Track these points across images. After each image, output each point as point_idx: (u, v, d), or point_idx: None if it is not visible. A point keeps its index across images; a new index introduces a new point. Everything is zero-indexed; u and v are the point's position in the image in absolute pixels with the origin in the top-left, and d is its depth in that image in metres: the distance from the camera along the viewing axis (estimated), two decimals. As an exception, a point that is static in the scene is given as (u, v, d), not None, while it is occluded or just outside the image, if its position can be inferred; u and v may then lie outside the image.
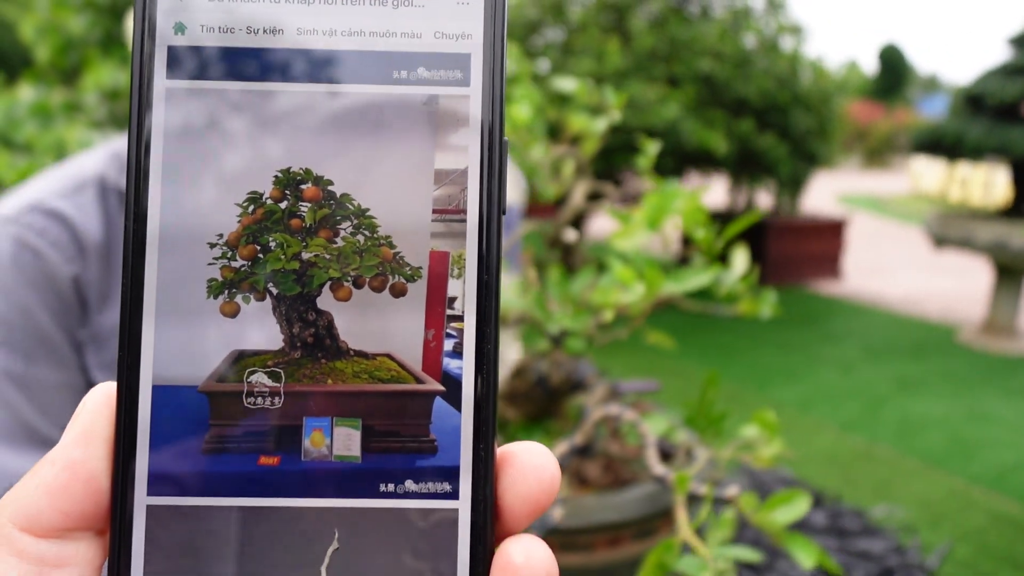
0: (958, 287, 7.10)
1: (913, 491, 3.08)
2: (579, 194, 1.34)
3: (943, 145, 5.29)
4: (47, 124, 2.44)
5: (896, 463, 3.39)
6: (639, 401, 1.78)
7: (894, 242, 9.81)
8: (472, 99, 0.26)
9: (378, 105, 0.26)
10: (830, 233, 7.45)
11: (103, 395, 0.26)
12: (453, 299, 0.26)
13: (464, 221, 0.26)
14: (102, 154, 0.87)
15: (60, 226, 0.79)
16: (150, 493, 0.25)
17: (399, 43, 0.26)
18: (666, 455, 1.60)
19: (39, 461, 0.25)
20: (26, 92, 2.78)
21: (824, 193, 13.99)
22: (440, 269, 0.26)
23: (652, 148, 1.22)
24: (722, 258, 1.04)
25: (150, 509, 0.25)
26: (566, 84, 1.37)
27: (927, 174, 15.02)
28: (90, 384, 0.81)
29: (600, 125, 1.28)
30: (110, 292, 0.81)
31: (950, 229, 5.01)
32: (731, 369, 4.75)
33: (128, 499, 0.25)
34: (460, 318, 0.26)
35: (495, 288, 0.26)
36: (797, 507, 0.69)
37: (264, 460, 0.25)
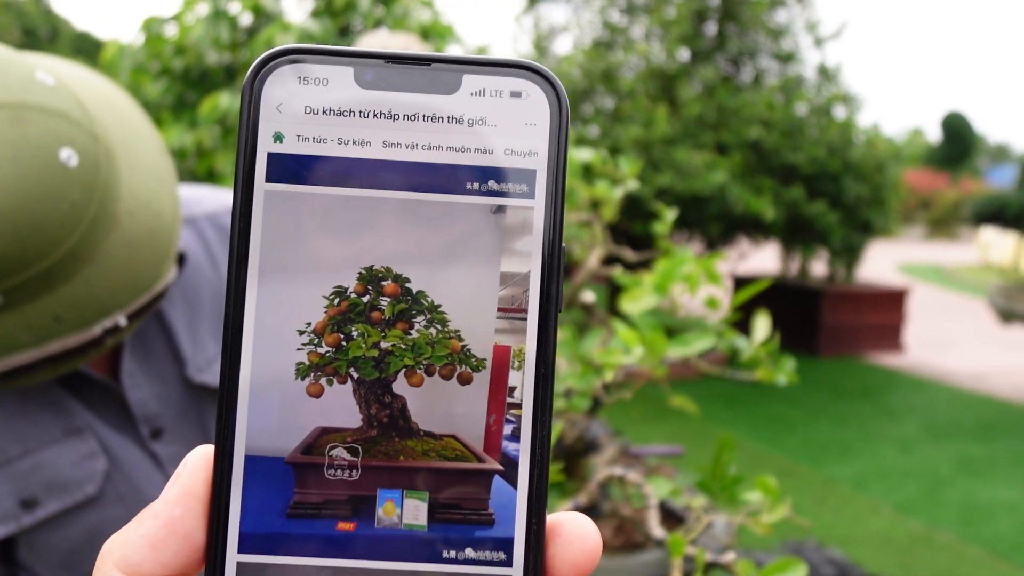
0: (1029, 363, 6.76)
1: (981, 582, 2.90)
2: (595, 258, 1.38)
3: (1005, 215, 5.16)
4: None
5: (959, 551, 3.19)
6: (661, 465, 1.75)
7: (960, 314, 9.43)
8: (536, 210, 0.30)
9: (452, 212, 0.30)
10: (890, 303, 7.22)
11: (202, 458, 0.29)
12: (513, 388, 0.29)
13: (525, 319, 0.29)
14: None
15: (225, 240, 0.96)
16: (240, 551, 0.28)
17: (473, 158, 0.30)
18: (679, 519, 1.56)
19: (143, 512, 0.28)
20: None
21: (885, 263, 13.63)
22: (502, 361, 0.29)
23: (669, 215, 1.26)
24: (745, 323, 1.05)
25: (240, 566, 0.28)
26: (582, 154, 1.43)
27: (997, 244, 14.44)
28: None
29: (617, 193, 1.32)
30: None
31: (1017, 302, 4.83)
32: (784, 443, 4.60)
33: (220, 556, 0.28)
34: (518, 405, 0.29)
35: (550, 380, 0.29)
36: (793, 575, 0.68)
37: (342, 526, 0.29)
